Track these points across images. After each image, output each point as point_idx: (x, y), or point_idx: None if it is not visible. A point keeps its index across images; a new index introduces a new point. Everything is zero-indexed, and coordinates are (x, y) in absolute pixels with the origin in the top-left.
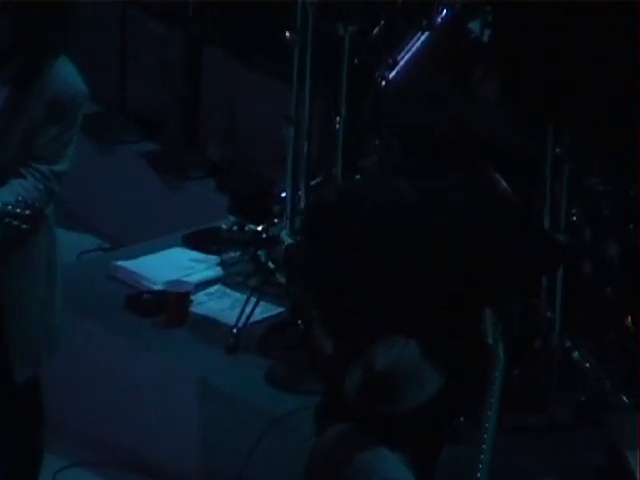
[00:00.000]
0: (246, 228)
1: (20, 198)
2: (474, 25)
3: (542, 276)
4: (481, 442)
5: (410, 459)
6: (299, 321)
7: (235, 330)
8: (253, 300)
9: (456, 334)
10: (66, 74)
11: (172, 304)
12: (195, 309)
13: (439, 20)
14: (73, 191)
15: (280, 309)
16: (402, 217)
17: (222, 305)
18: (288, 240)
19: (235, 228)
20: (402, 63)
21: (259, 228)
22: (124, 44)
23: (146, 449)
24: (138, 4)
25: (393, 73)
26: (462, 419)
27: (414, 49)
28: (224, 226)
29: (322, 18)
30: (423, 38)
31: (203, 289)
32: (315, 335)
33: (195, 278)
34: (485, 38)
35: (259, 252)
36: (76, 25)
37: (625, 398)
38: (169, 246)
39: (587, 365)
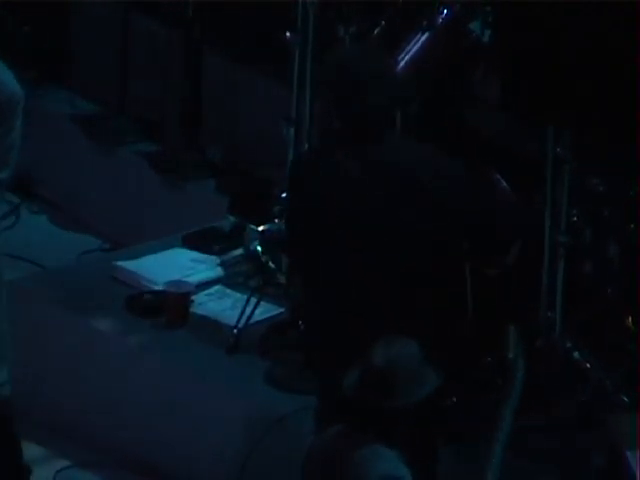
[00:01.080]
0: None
1: None
2: (474, 25)
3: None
4: (491, 455)
5: (408, 457)
6: (299, 321)
7: (235, 330)
8: (253, 301)
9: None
10: (3, 75)
11: (172, 305)
12: (195, 309)
13: (439, 20)
14: (73, 191)
15: (280, 309)
16: (346, 193)
17: (222, 305)
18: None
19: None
20: (402, 64)
21: (259, 228)
22: (125, 45)
23: (145, 450)
24: (139, 5)
25: None
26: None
27: (414, 49)
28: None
29: (322, 19)
30: (424, 38)
31: (203, 289)
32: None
33: (195, 278)
34: (486, 38)
35: (259, 251)
36: (77, 26)
37: (625, 398)
38: (169, 246)
39: (588, 365)
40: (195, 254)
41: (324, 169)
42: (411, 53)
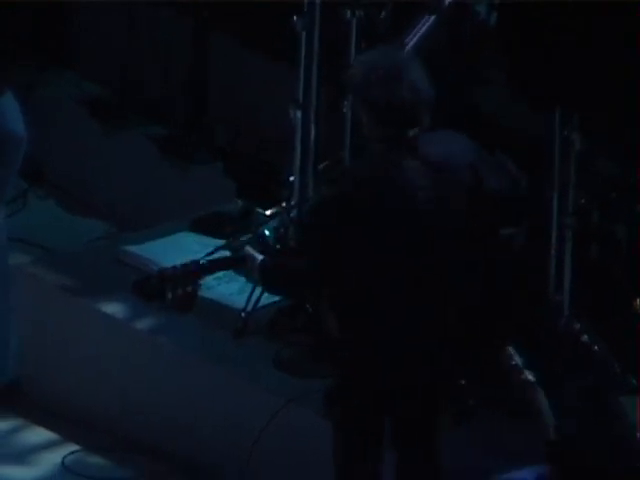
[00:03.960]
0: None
1: None
2: (481, 7)
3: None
4: None
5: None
6: (307, 305)
7: (243, 314)
8: None
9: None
10: (8, 113)
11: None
12: (203, 293)
13: (446, 3)
14: (81, 175)
15: None
16: (411, 198)
17: (230, 289)
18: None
19: None
20: (410, 46)
21: (267, 212)
22: (131, 28)
23: (153, 433)
24: None
25: None
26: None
27: (421, 32)
28: None
29: (329, 2)
30: (430, 21)
31: None
32: (323, 317)
33: None
34: (492, 21)
35: (267, 235)
36: (83, 9)
37: (634, 380)
38: (177, 230)
39: (596, 348)
40: (203, 238)
41: (387, 180)
42: (418, 35)
